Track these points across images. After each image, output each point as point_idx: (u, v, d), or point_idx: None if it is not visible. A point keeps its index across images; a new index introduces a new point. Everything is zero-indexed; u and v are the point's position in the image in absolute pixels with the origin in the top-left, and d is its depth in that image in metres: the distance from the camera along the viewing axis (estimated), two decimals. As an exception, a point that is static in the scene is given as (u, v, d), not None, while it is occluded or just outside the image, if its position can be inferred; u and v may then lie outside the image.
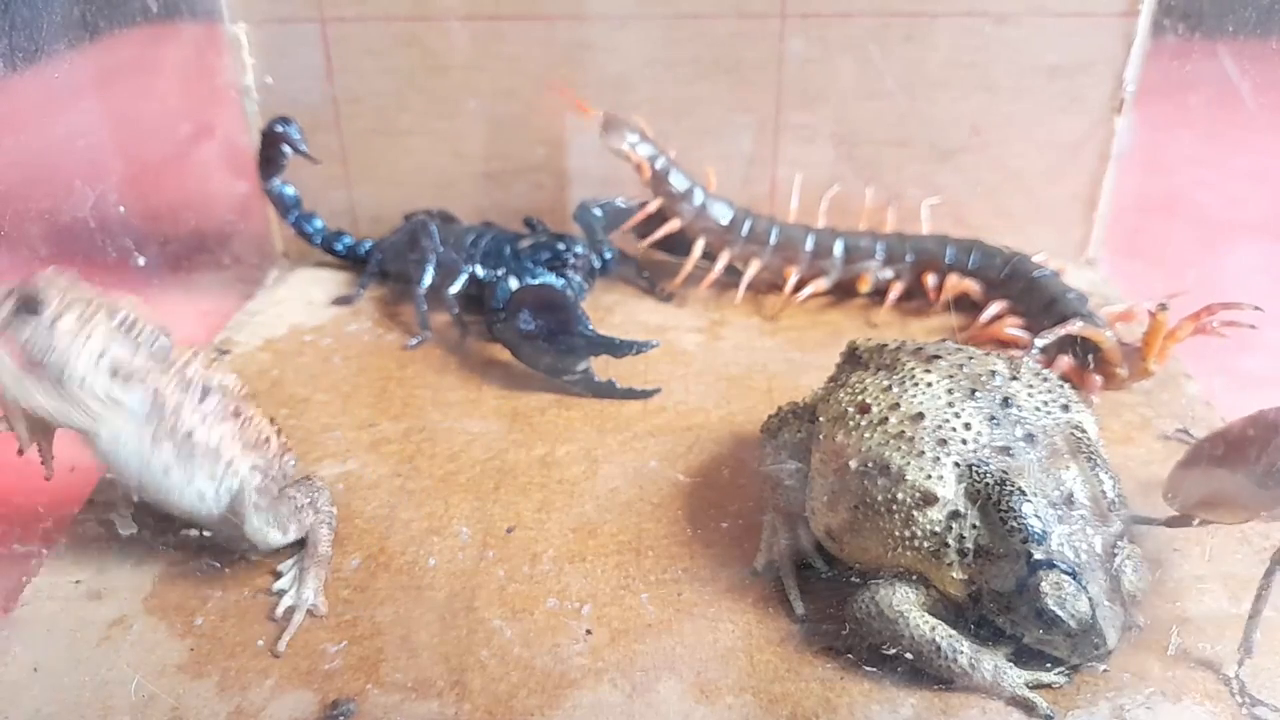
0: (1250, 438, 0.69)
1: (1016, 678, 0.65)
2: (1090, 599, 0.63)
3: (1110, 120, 1.23)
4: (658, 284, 1.26)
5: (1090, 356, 0.94)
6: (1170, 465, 0.81)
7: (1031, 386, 0.74)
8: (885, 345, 0.81)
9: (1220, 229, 1.22)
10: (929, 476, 0.67)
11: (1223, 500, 0.72)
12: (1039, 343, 0.84)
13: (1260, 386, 0.90)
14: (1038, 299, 1.08)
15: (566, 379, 1.03)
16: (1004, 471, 0.66)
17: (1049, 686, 0.66)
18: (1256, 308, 0.87)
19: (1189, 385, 1.01)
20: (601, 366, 1.03)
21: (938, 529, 0.66)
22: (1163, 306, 0.89)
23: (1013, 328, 1.08)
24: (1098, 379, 0.95)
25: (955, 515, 0.66)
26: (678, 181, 1.19)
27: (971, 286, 1.16)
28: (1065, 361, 0.96)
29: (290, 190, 1.26)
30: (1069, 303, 1.05)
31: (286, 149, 1.20)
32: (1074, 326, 0.89)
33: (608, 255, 1.21)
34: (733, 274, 1.22)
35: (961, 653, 0.65)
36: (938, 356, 0.76)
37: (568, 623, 0.73)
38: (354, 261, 1.30)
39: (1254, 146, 1.19)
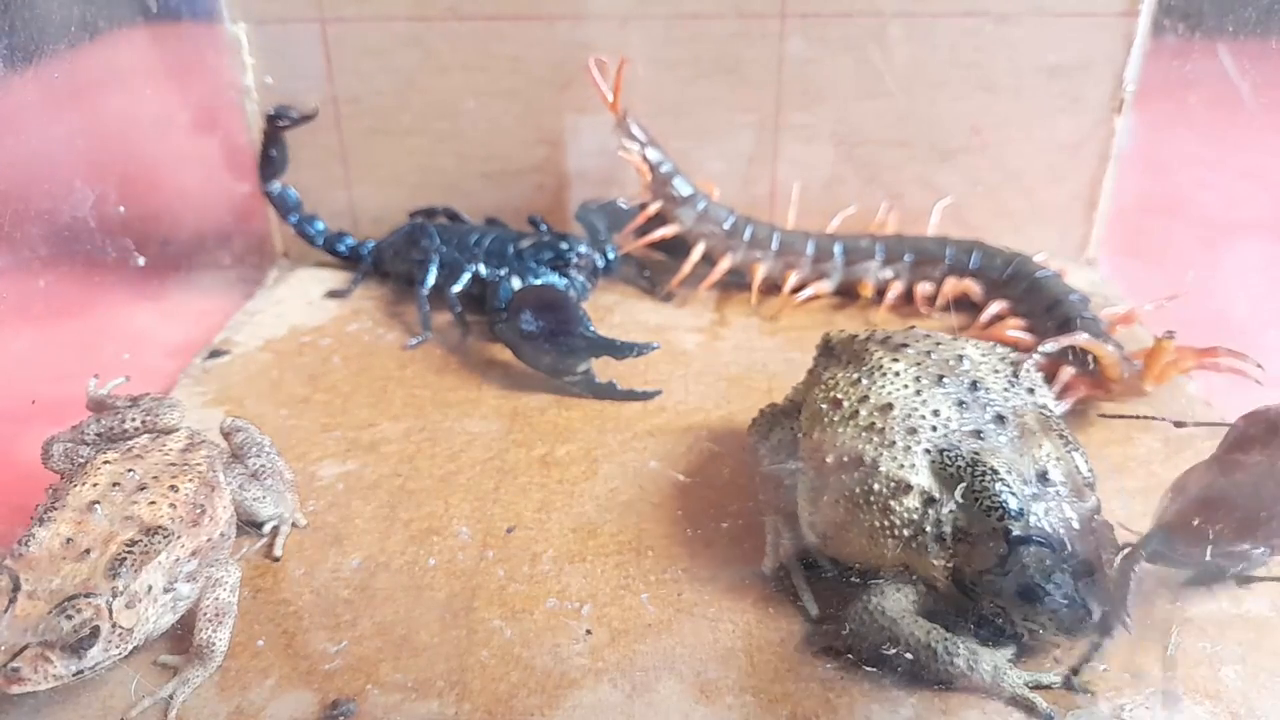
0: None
1: (1016, 678, 0.65)
2: (1072, 571, 0.63)
3: (1110, 120, 1.23)
4: (658, 284, 1.27)
5: (1091, 365, 0.95)
6: (1170, 466, 0.80)
7: (998, 371, 0.74)
8: (856, 336, 0.82)
9: (1220, 229, 1.22)
10: (901, 466, 0.68)
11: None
12: (1043, 349, 0.84)
13: (1259, 387, 0.90)
14: (1040, 300, 1.08)
15: (567, 379, 1.03)
16: (975, 453, 0.67)
17: (1049, 687, 0.66)
18: (1259, 365, 0.89)
19: (1188, 385, 1.01)
20: (602, 367, 1.03)
21: (915, 516, 0.67)
22: (1170, 334, 0.89)
23: (1014, 329, 1.08)
24: (1081, 388, 0.95)
25: (930, 501, 0.67)
26: (681, 187, 1.19)
27: (972, 287, 1.16)
28: (1068, 372, 0.96)
29: (291, 192, 1.26)
30: (1071, 304, 1.05)
31: (286, 143, 1.21)
32: (1079, 338, 0.90)
33: (611, 255, 1.21)
34: (733, 276, 1.23)
35: (959, 654, 0.65)
36: (905, 345, 0.77)
37: (568, 623, 0.73)
38: (356, 262, 1.30)
39: (1254, 146, 1.18)
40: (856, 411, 0.71)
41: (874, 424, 0.70)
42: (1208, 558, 0.67)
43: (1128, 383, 0.93)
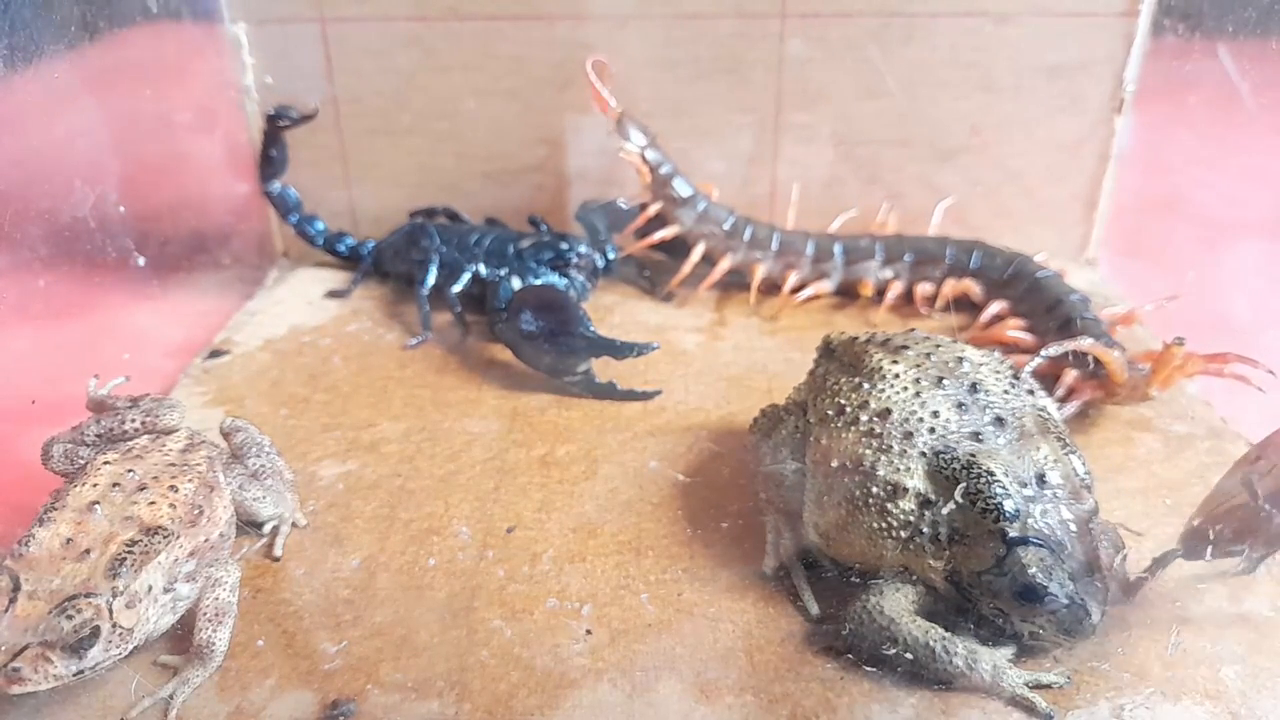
0: None
1: (1016, 678, 0.65)
2: (1070, 572, 0.63)
3: (1110, 120, 1.23)
4: (658, 284, 1.27)
5: (1092, 367, 0.94)
6: (1170, 466, 0.80)
7: (998, 374, 0.75)
8: (856, 338, 0.82)
9: (1220, 229, 1.22)
10: (897, 470, 0.68)
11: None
12: (1046, 353, 0.84)
13: (1261, 393, 0.90)
14: (1040, 300, 1.08)
15: (567, 380, 1.03)
16: (971, 455, 0.67)
17: (1049, 687, 0.66)
18: (1270, 371, 0.88)
19: (1189, 385, 1.01)
20: (602, 367, 1.03)
21: (911, 518, 0.67)
22: (1180, 340, 0.89)
23: (1014, 329, 1.08)
24: (1085, 391, 0.94)
25: (926, 503, 0.67)
26: (681, 188, 1.19)
27: (972, 287, 1.16)
28: (1071, 374, 0.95)
29: (291, 192, 1.26)
30: (1072, 305, 1.05)
31: (286, 143, 1.21)
32: (1084, 343, 0.90)
33: (611, 255, 1.21)
34: (733, 276, 1.23)
35: (957, 654, 0.65)
36: (905, 347, 0.77)
37: (568, 623, 0.73)
38: (356, 262, 1.30)
39: (1254, 146, 1.18)
40: (858, 417, 0.72)
41: (873, 429, 0.70)
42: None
43: (1133, 386, 0.93)
